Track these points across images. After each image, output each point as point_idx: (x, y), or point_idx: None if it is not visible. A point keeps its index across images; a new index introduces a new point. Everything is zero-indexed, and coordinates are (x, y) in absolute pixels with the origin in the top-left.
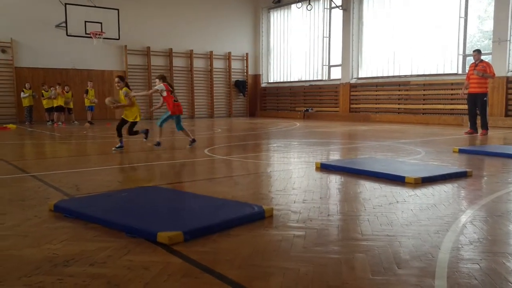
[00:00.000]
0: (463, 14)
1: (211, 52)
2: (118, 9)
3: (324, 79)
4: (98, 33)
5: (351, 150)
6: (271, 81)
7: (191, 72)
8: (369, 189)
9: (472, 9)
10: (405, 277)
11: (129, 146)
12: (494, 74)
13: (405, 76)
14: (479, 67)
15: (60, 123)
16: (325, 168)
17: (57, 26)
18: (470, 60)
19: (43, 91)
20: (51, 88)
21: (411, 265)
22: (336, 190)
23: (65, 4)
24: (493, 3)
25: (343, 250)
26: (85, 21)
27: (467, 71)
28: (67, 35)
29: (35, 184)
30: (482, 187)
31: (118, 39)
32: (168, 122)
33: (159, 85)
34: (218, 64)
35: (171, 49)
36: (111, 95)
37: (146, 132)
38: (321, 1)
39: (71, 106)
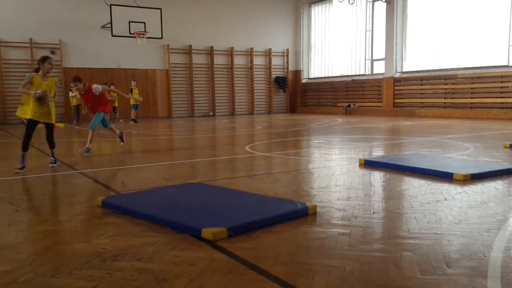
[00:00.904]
0: None
1: (252, 49)
2: (161, 9)
3: (366, 73)
4: (141, 32)
5: (395, 146)
6: (312, 76)
7: (231, 69)
8: (415, 186)
9: None
10: (455, 277)
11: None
12: None
13: (452, 69)
14: None
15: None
16: (369, 164)
17: (103, 27)
18: None
19: None
20: None
21: (461, 264)
22: (381, 187)
23: (110, 5)
24: None
25: (389, 249)
26: (129, 21)
27: None
28: (112, 35)
29: (84, 181)
30: None
31: (161, 38)
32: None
33: (99, 86)
34: (258, 61)
35: (212, 47)
36: (154, 93)
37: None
38: None
39: (116, 104)
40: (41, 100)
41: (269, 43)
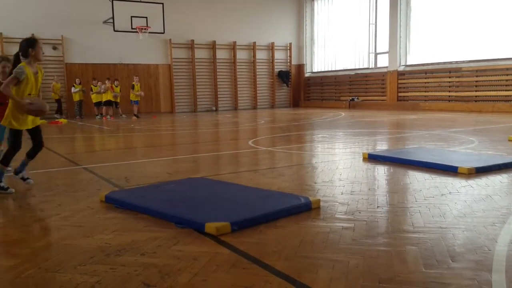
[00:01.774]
0: None
1: (254, 43)
2: (162, 3)
3: (370, 67)
4: (143, 27)
5: (399, 140)
6: (315, 70)
7: (234, 64)
8: (419, 180)
9: None
10: (460, 271)
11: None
12: None
13: (456, 62)
14: None
15: (108, 116)
16: (373, 158)
17: (105, 22)
18: None
19: (92, 85)
20: (99, 83)
21: (466, 258)
22: (385, 181)
23: (112, 0)
24: None
25: (394, 243)
26: (131, 16)
27: None
28: (114, 30)
29: (87, 176)
30: None
31: (163, 33)
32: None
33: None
34: (261, 55)
35: (214, 42)
36: (157, 89)
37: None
38: None
39: (118, 100)
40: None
41: (272, 37)
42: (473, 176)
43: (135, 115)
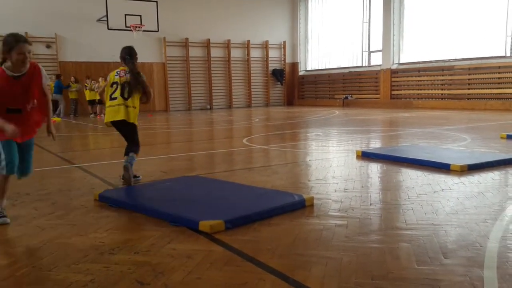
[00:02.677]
0: None
1: (248, 41)
2: (156, 1)
3: (364, 65)
4: (137, 25)
5: (392, 138)
6: (309, 68)
7: (228, 62)
8: (412, 177)
9: None
10: (452, 267)
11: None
12: None
13: (449, 60)
14: None
15: (103, 115)
16: (366, 156)
17: (99, 20)
18: None
19: (86, 84)
20: (93, 82)
21: (458, 254)
22: (378, 178)
23: None
24: None
25: (386, 240)
26: (125, 15)
27: None
28: (108, 28)
29: (81, 175)
30: None
31: (157, 31)
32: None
33: None
34: (255, 53)
35: (208, 40)
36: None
37: None
38: None
39: None
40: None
41: (266, 36)
42: (465, 173)
43: None
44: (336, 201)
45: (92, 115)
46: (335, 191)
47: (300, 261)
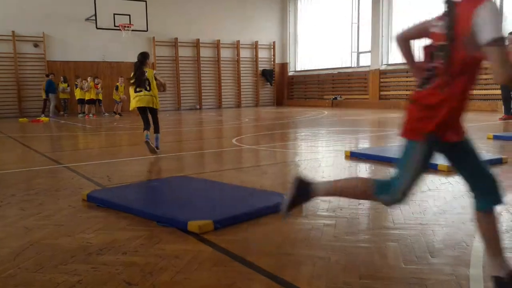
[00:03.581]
0: None
1: (238, 41)
2: (146, 1)
3: (353, 66)
4: (126, 25)
5: (381, 138)
6: (299, 69)
7: (218, 62)
8: None
9: None
10: (439, 266)
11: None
12: None
13: None
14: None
15: (91, 115)
16: (355, 156)
17: (87, 19)
18: None
19: (76, 82)
20: (83, 81)
21: (444, 254)
22: None
23: None
24: None
25: (374, 239)
26: (114, 14)
27: None
28: (97, 28)
29: (69, 175)
30: None
31: (146, 30)
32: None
33: None
34: (245, 54)
35: (198, 40)
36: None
37: None
38: None
39: (101, 97)
40: None
41: (256, 36)
42: (452, 173)
43: (118, 113)
44: (325, 201)
45: (81, 115)
46: None
47: (289, 261)
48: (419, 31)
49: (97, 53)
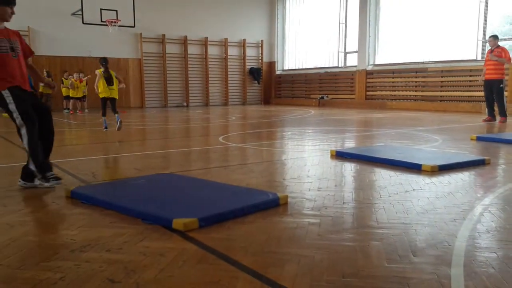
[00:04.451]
0: None
1: (226, 39)
2: None
3: (340, 66)
4: (113, 20)
5: (366, 138)
6: (286, 68)
7: (205, 59)
8: (384, 177)
9: None
10: (421, 265)
11: (142, 134)
12: (510, 59)
13: (423, 62)
14: (495, 52)
15: (77, 111)
16: (340, 155)
17: (73, 14)
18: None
19: (63, 78)
20: (70, 77)
21: (427, 253)
22: (351, 178)
23: None
24: None
25: (358, 238)
26: (101, 9)
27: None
28: (83, 23)
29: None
30: (500, 175)
31: (134, 26)
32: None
33: None
34: (233, 51)
35: (186, 37)
36: (127, 83)
37: None
38: None
39: (86, 93)
40: None
41: (244, 34)
42: (436, 174)
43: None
44: (310, 200)
45: (66, 111)
46: (309, 190)
47: (273, 259)
48: None
49: (84, 48)
